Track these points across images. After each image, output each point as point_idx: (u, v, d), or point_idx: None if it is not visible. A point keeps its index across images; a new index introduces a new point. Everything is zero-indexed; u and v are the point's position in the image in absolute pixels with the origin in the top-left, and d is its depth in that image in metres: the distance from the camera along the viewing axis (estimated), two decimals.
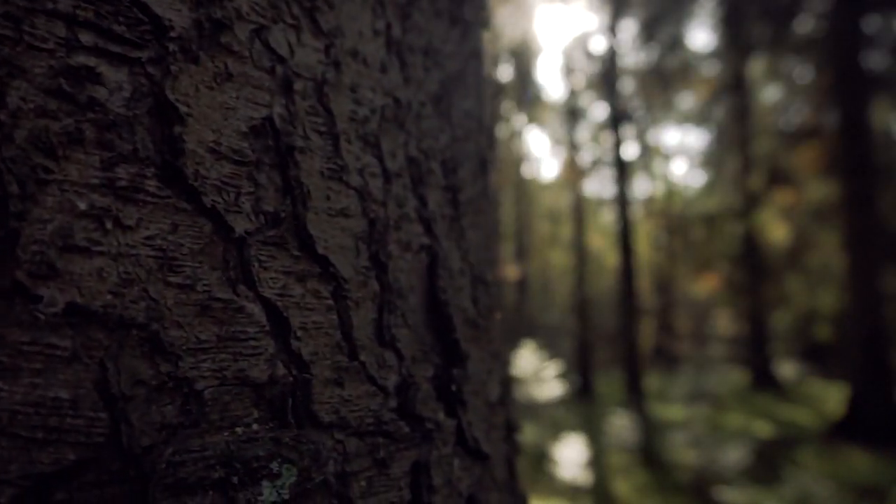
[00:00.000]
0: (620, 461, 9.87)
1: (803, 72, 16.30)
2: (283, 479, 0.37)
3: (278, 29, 0.43)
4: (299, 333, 0.41)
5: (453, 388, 0.55)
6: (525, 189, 28.46)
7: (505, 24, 20.11)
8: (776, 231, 20.21)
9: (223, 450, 0.35)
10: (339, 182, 0.47)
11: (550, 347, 22.72)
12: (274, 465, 0.36)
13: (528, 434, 11.13)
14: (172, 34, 0.36)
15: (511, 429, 0.92)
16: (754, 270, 17.05)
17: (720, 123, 19.56)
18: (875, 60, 14.10)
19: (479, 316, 0.67)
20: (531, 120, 25.83)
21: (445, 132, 0.68)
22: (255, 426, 0.37)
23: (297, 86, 0.45)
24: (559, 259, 27.87)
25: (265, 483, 0.36)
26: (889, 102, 14.65)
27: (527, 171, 29.60)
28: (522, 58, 20.18)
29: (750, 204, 16.60)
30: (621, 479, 9.10)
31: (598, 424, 12.36)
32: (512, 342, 20.67)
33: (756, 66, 18.29)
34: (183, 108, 0.36)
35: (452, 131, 0.70)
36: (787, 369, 18.97)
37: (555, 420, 12.56)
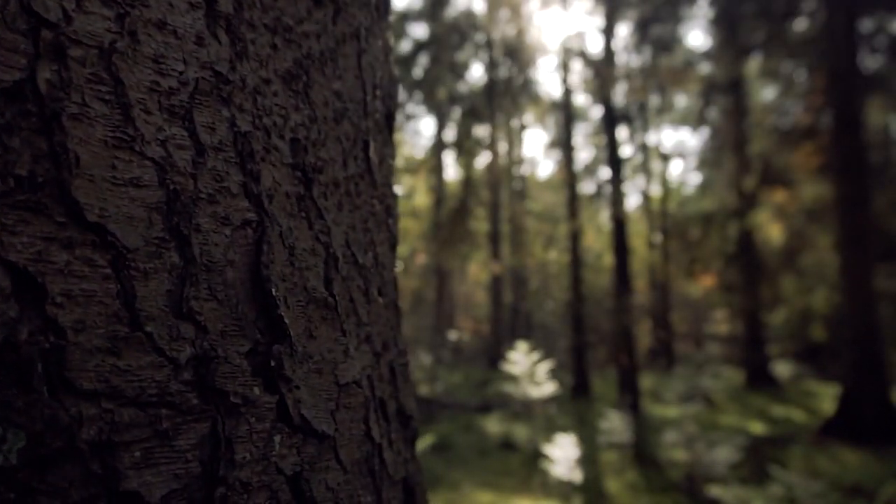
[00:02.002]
0: (613, 459, 9.88)
1: (800, 72, 16.29)
2: (10, 444, 0.36)
3: None
4: (59, 300, 0.41)
5: (272, 364, 0.54)
6: (522, 188, 28.45)
7: (503, 23, 20.11)
8: (772, 231, 20.19)
9: None
10: (129, 151, 0.47)
11: (548, 346, 22.72)
12: None
13: (522, 433, 11.14)
14: None
15: (405, 415, 0.92)
16: (750, 270, 17.03)
17: (715, 124, 19.55)
18: (871, 60, 14.10)
19: (331, 296, 0.66)
20: (528, 119, 25.84)
21: (301, 111, 0.68)
22: None
23: (74, 52, 0.44)
24: (557, 258, 27.87)
25: None
26: (884, 102, 14.63)
27: (524, 169, 29.60)
28: (520, 57, 20.18)
29: (746, 204, 16.59)
30: (614, 477, 9.10)
31: (592, 423, 12.37)
32: (509, 341, 20.66)
33: (752, 67, 18.28)
34: None
35: (312, 111, 0.70)
36: (783, 369, 18.97)
37: (549, 419, 12.57)
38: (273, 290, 0.56)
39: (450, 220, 20.59)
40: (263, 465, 0.52)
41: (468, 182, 22.48)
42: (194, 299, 0.49)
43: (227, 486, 0.48)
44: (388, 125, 0.96)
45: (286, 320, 0.57)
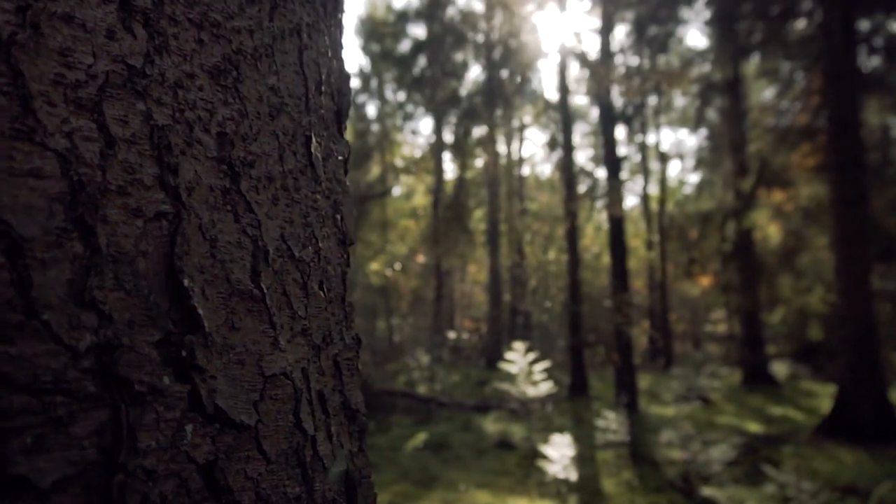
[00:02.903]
0: (610, 458, 9.89)
1: (798, 72, 16.28)
2: None
3: None
4: None
5: (184, 353, 0.55)
6: (520, 187, 28.46)
7: (501, 23, 20.12)
8: (770, 231, 20.19)
9: None
10: (29, 143, 0.48)
11: (546, 346, 22.73)
12: None
13: (519, 432, 11.16)
14: None
15: (351, 409, 0.92)
16: (748, 270, 17.03)
17: (713, 124, 19.55)
18: (869, 60, 14.09)
19: (257, 288, 0.67)
20: (527, 119, 25.85)
21: (230, 105, 0.68)
22: None
23: None
24: (555, 258, 27.86)
25: None
26: (882, 102, 14.62)
27: (523, 169, 29.61)
28: (518, 58, 20.18)
29: (744, 204, 16.59)
30: (610, 476, 9.12)
31: (590, 423, 12.38)
32: (507, 341, 20.66)
33: (750, 67, 18.28)
34: None
35: (243, 105, 0.70)
36: (780, 368, 18.97)
37: (546, 418, 12.59)
38: (186, 281, 0.56)
39: (445, 216, 20.61)
40: (172, 453, 0.53)
41: (461, 180, 22.51)
42: (98, 289, 0.50)
43: (126, 473, 0.49)
44: (337, 121, 0.96)
45: (200, 311, 0.57)
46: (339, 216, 0.93)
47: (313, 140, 0.85)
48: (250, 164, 0.70)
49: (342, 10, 1.02)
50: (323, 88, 0.90)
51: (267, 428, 0.65)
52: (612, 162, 14.68)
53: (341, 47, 1.01)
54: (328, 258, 0.88)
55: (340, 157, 0.97)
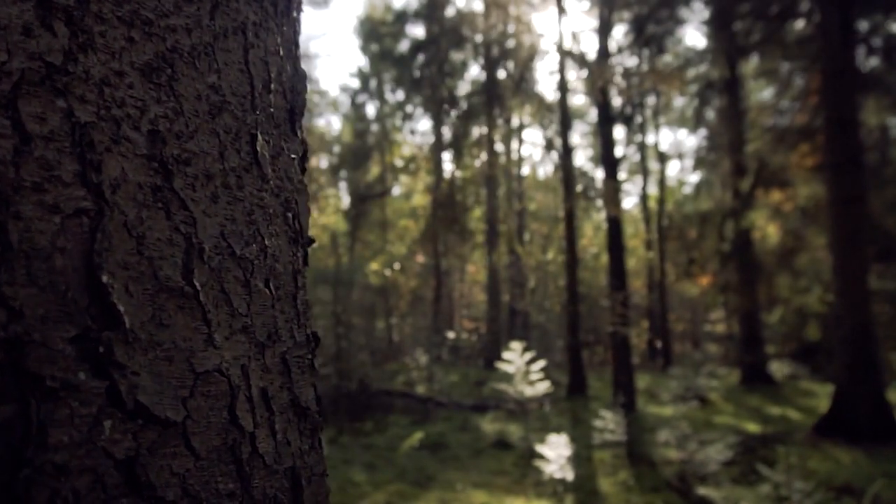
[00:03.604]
0: (607, 458, 9.89)
1: (797, 72, 16.26)
2: None
3: None
4: None
5: (102, 350, 0.55)
6: (519, 187, 28.45)
7: (500, 24, 20.11)
8: (769, 231, 20.17)
9: None
10: None
11: (545, 346, 22.72)
12: None
13: (516, 432, 11.16)
14: None
15: (301, 406, 0.92)
16: (747, 270, 17.02)
17: (711, 124, 19.54)
18: (869, 60, 14.08)
19: (189, 285, 0.67)
20: (526, 118, 25.85)
21: (164, 103, 0.69)
22: None
23: None
24: (554, 258, 27.85)
25: None
26: (881, 102, 14.59)
27: (522, 169, 29.61)
28: (517, 58, 20.18)
29: (742, 204, 16.58)
30: (607, 475, 9.12)
31: (587, 422, 12.38)
32: (506, 341, 20.65)
33: (749, 66, 18.27)
34: None
35: (178, 103, 0.71)
36: (779, 368, 18.96)
37: (544, 418, 12.59)
38: (105, 277, 0.57)
39: (439, 216, 20.63)
40: (87, 448, 0.53)
41: (455, 179, 22.52)
42: (7, 285, 0.50)
43: (34, 468, 0.49)
44: (290, 119, 0.97)
45: (120, 307, 0.58)
46: (290, 214, 0.93)
47: (259, 138, 0.85)
48: (185, 162, 0.71)
49: (297, 9, 1.02)
50: (273, 87, 0.90)
51: (197, 424, 0.65)
52: (610, 162, 14.68)
53: (296, 46, 1.01)
54: (276, 256, 0.88)
55: (293, 156, 0.97)
